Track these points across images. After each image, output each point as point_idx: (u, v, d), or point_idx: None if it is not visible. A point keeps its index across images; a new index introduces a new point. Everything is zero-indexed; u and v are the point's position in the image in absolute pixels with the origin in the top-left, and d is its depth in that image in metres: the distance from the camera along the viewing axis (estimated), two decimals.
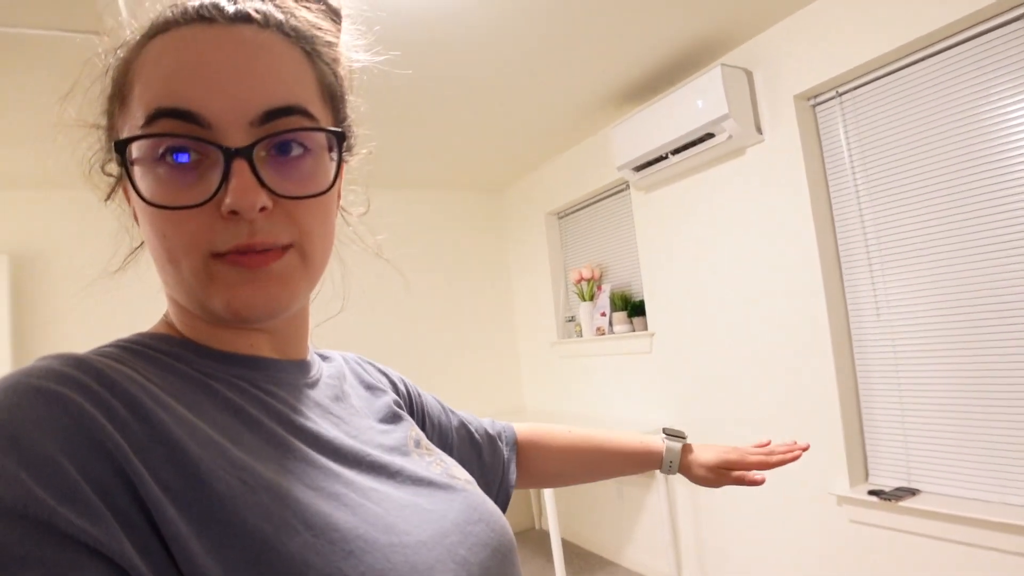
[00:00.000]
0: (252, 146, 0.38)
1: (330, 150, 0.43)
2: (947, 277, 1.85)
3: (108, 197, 0.46)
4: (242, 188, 0.37)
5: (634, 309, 3.07)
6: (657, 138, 2.49)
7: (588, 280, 3.27)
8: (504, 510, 0.68)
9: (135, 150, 0.39)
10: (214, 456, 0.35)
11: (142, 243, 0.48)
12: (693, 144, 2.41)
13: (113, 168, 0.45)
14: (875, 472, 2.08)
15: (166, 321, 0.46)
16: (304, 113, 0.41)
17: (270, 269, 0.40)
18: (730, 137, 2.27)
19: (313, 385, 0.49)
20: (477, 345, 3.90)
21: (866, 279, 2.07)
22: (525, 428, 0.80)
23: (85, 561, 0.28)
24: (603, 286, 3.28)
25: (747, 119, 2.25)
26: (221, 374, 0.42)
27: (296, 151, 0.41)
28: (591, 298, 3.30)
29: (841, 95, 2.08)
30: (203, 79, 0.38)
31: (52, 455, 0.29)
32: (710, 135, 2.33)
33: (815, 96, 2.16)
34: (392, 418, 0.56)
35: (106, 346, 0.40)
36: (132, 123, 0.39)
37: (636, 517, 3.09)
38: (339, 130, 0.43)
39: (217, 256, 0.39)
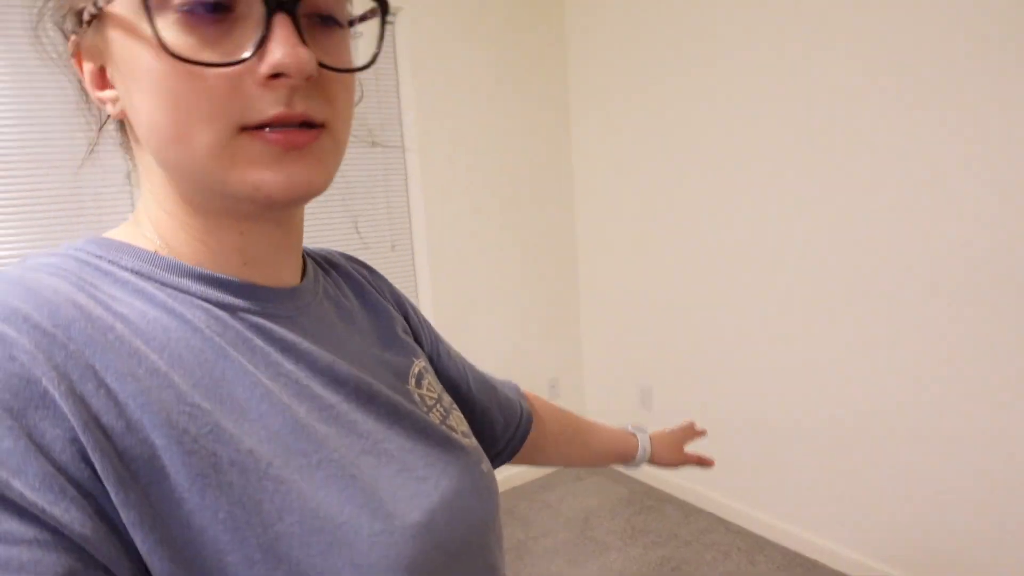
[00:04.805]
0: (297, 1, 0.31)
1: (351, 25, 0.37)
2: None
3: (74, 54, 0.35)
4: (292, 44, 0.30)
5: None
6: None
7: None
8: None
9: None
10: (187, 422, 0.30)
11: (105, 122, 0.39)
12: None
13: (71, 20, 0.34)
14: None
15: (136, 227, 0.38)
16: None
17: (308, 149, 0.33)
18: None
19: (306, 310, 0.42)
20: None
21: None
22: (538, 407, 0.71)
23: (48, 539, 0.25)
24: None
25: None
26: (200, 303, 0.35)
27: (331, 23, 0.34)
28: None
29: None
30: None
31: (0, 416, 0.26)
32: None
33: None
34: (394, 344, 0.48)
35: (59, 255, 0.34)
36: None
37: None
38: (385, 4, 0.36)
39: (245, 130, 0.32)
